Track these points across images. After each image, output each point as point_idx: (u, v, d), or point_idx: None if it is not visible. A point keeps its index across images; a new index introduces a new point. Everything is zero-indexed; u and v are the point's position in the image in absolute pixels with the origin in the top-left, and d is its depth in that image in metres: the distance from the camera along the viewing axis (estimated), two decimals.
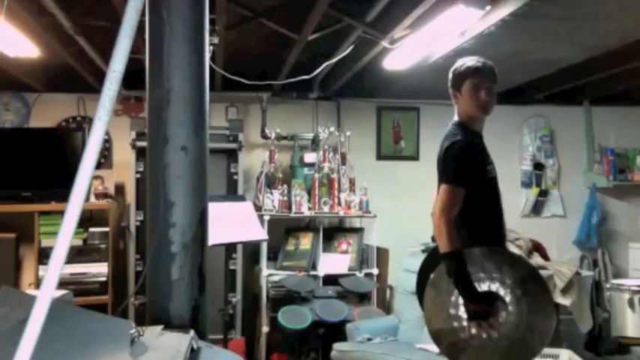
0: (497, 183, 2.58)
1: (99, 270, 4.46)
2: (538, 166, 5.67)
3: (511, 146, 5.64)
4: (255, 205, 4.48)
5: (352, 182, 4.97)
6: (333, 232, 5.02)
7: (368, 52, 3.88)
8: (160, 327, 1.55)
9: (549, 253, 5.10)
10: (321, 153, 4.90)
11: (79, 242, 4.47)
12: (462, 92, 2.57)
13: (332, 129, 5.01)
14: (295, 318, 4.32)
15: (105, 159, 5.09)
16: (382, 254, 4.91)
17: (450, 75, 2.63)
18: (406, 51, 3.69)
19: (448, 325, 2.34)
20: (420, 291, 2.55)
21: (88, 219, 4.60)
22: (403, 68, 4.15)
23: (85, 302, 3.81)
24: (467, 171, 2.43)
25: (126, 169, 4.70)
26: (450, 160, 2.45)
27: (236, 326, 4.57)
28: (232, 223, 3.59)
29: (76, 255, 4.35)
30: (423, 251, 4.37)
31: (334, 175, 4.87)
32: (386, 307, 4.93)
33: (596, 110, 5.78)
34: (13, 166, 4.61)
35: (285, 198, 4.77)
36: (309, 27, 3.42)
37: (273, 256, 4.84)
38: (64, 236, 1.13)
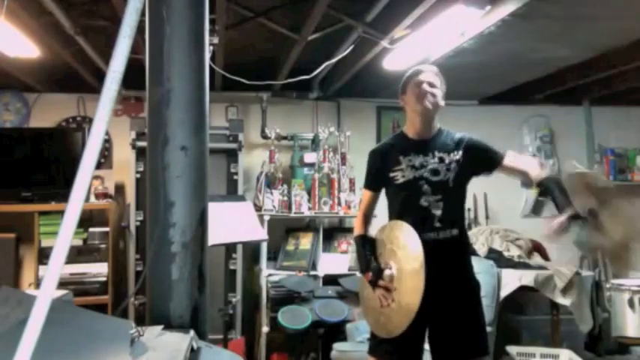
0: (409, 184, 2.59)
1: (99, 270, 4.46)
2: None
3: (511, 146, 5.57)
4: (255, 205, 4.48)
5: (352, 182, 4.97)
6: (333, 232, 5.02)
7: (368, 52, 3.88)
8: (160, 327, 1.55)
9: (549, 253, 5.09)
10: (321, 153, 4.90)
11: (79, 242, 4.47)
12: (407, 93, 2.67)
13: (332, 129, 5.01)
14: (295, 318, 4.32)
15: (105, 159, 5.09)
16: None
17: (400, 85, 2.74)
18: (406, 51, 3.69)
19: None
20: None
21: (88, 219, 4.60)
22: (403, 68, 4.15)
23: (85, 302, 3.83)
24: (367, 176, 2.77)
25: (126, 169, 4.70)
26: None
27: (236, 326, 4.56)
28: (232, 223, 3.59)
29: (76, 255, 4.36)
30: None
31: (334, 175, 4.87)
32: None
33: (596, 110, 5.78)
34: (13, 166, 4.61)
35: (285, 198, 4.77)
36: (309, 27, 3.42)
37: (273, 256, 4.85)
38: (64, 236, 1.13)
